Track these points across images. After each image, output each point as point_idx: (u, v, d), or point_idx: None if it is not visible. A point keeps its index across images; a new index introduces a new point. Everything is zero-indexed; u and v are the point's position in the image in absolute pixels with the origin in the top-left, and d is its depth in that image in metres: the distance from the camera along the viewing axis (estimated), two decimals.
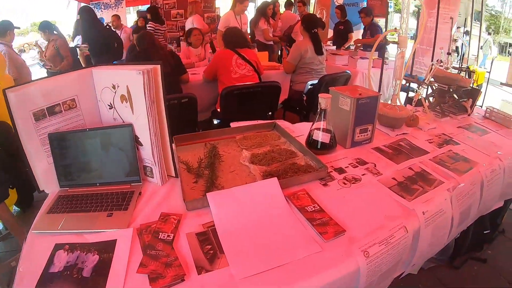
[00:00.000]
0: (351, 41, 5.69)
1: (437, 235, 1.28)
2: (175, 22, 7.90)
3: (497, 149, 1.77)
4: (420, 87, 1.86)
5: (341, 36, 5.77)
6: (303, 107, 3.70)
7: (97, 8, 7.90)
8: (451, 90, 2.03)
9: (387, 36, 3.00)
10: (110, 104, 1.27)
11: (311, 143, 1.48)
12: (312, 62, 3.60)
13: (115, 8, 8.23)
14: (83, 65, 5.33)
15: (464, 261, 2.35)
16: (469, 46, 2.33)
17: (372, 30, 5.26)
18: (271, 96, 3.17)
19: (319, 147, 1.46)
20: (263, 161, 1.38)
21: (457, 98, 2.18)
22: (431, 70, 1.88)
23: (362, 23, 5.42)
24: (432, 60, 3.28)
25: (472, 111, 2.32)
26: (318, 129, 1.44)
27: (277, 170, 1.30)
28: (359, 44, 5.26)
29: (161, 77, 1.16)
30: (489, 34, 17.33)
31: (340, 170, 1.37)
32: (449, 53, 2.06)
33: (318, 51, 3.61)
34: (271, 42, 5.71)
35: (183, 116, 2.80)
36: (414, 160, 1.50)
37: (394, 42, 1.71)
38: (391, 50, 5.16)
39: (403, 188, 1.28)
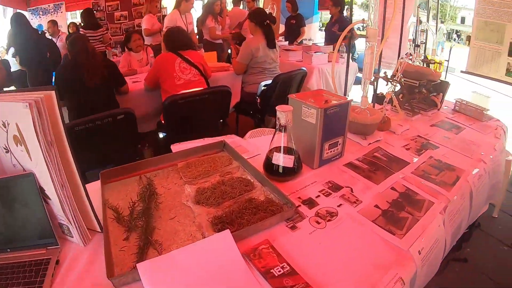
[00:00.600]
0: (303, 36, 5.49)
1: (431, 268, 1.06)
2: (119, 24, 7.37)
3: (478, 149, 1.62)
4: (390, 84, 1.64)
5: (293, 31, 5.56)
6: (257, 110, 3.42)
7: (35, 15, 7.17)
8: (421, 85, 1.84)
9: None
10: (6, 147, 0.93)
11: (271, 168, 1.20)
12: (265, 61, 3.34)
13: (54, 13, 7.52)
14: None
15: (445, 264, 2.19)
16: (436, 35, 2.20)
17: (340, 23, 4.84)
18: (221, 102, 2.87)
19: (281, 171, 1.19)
20: (211, 200, 1.08)
21: (426, 93, 2.00)
22: (400, 65, 1.67)
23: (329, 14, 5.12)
24: (399, 54, 3.12)
25: (442, 105, 2.16)
26: (278, 150, 1.17)
27: (230, 213, 1.01)
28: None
29: (58, 106, 0.84)
30: (442, 22, 17.97)
31: (310, 203, 1.09)
32: (417, 45, 1.87)
33: (271, 44, 3.36)
34: (220, 41, 5.40)
35: (121, 135, 2.43)
36: (395, 176, 1.27)
37: (362, 36, 1.47)
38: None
39: (390, 218, 1.04)
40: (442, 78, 2.18)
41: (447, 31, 18.09)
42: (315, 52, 4.16)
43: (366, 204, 1.09)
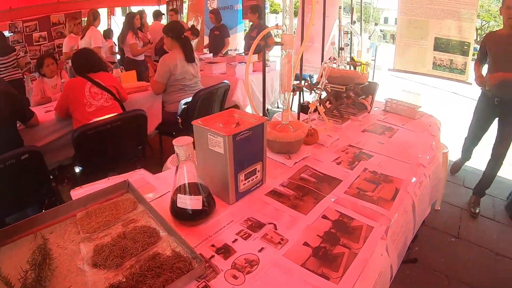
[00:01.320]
0: (228, 46, 5.33)
1: None
2: (39, 46, 6.94)
3: (415, 151, 1.54)
4: (314, 93, 1.49)
5: (218, 42, 5.38)
6: (180, 131, 3.17)
7: None
8: (348, 89, 1.73)
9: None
10: None
11: (178, 212, 0.97)
12: (184, 78, 3.11)
13: None
14: None
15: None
16: (361, 36, 2.14)
17: (259, 30, 4.78)
18: (137, 127, 2.60)
19: (190, 214, 0.97)
20: (110, 260, 0.84)
21: (355, 97, 1.90)
22: (324, 70, 1.54)
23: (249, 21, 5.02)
24: (322, 59, 3.03)
25: (371, 108, 2.08)
26: (184, 190, 0.95)
27: (131, 277, 0.77)
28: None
29: None
30: (376, 24, 18.91)
31: (226, 251, 0.88)
32: (342, 49, 1.75)
33: (190, 58, 3.16)
34: (143, 57, 5.11)
35: (28, 178, 2.10)
36: (327, 200, 1.10)
37: (278, 43, 1.29)
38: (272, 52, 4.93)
39: (323, 258, 0.85)
40: (370, 79, 2.11)
41: (369, 30, 19.03)
42: (239, 63, 4.00)
43: (293, 243, 0.90)
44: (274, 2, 27.49)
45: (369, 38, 17.07)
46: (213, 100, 3.04)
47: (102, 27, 8.67)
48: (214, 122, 1.07)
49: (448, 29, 3.76)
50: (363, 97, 1.96)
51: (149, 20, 6.18)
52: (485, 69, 2.88)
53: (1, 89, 2.38)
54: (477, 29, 28.49)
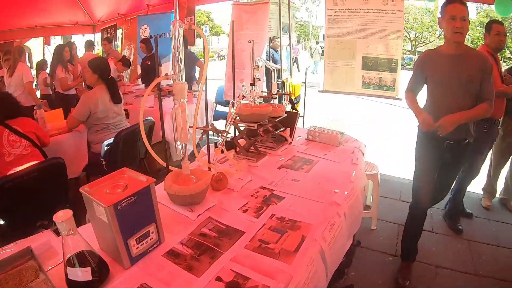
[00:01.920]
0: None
1: None
2: None
3: (331, 186, 1.50)
4: (221, 136, 1.43)
5: (150, 72, 5.21)
6: (105, 173, 2.96)
7: None
8: (261, 126, 1.69)
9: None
10: None
11: (71, 283, 0.89)
12: (107, 116, 2.96)
13: None
14: None
15: None
16: (275, 70, 2.09)
17: (186, 59, 4.75)
18: (57, 176, 2.42)
19: (83, 284, 0.89)
20: None
21: (272, 131, 1.87)
22: (233, 108, 1.49)
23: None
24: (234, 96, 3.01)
25: (293, 138, 2.06)
26: (72, 263, 0.87)
27: None
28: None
29: None
30: (317, 43, 19.48)
31: None
32: (252, 84, 1.72)
33: (116, 99, 3.02)
34: (74, 92, 4.86)
35: None
36: (224, 258, 1.02)
37: (170, 93, 1.23)
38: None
39: None
40: (302, 99, 2.09)
41: (311, 48, 19.62)
42: (168, 94, 3.86)
43: None
44: (215, 24, 27.82)
45: (311, 56, 17.66)
46: (137, 138, 2.90)
47: (36, 57, 8.25)
48: (102, 187, 1.01)
49: (376, 48, 3.89)
50: (282, 129, 1.94)
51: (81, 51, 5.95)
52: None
53: None
54: (411, 40, 30.47)
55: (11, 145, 2.45)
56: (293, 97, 4.14)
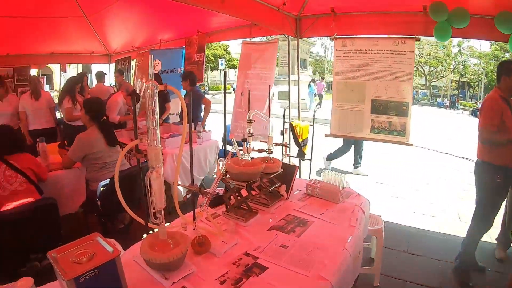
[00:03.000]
0: (168, 112, 5.19)
1: None
2: None
3: (321, 255, 1.40)
4: (204, 198, 1.38)
5: (159, 108, 5.26)
6: (100, 213, 2.97)
7: None
8: (252, 184, 1.63)
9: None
10: None
11: None
12: (103, 156, 2.97)
13: None
14: None
15: None
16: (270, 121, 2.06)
17: (192, 97, 4.70)
18: (48, 216, 2.40)
19: None
20: None
21: (266, 188, 1.81)
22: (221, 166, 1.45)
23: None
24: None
25: (290, 194, 1.99)
26: None
27: None
28: None
29: None
30: (322, 78, 19.72)
31: None
32: (244, 140, 1.68)
33: (111, 142, 3.03)
34: (80, 123, 4.92)
35: None
36: None
37: (146, 158, 1.19)
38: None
39: None
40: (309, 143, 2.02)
41: (327, 83, 19.78)
42: (170, 135, 3.84)
43: None
44: (232, 57, 28.38)
45: (329, 89, 17.80)
46: (135, 179, 2.86)
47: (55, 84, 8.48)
48: (70, 253, 1.00)
49: (386, 90, 3.81)
50: (277, 185, 1.87)
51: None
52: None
53: None
54: (425, 75, 30.55)
55: (7, 180, 2.48)
56: (300, 140, 4.09)
